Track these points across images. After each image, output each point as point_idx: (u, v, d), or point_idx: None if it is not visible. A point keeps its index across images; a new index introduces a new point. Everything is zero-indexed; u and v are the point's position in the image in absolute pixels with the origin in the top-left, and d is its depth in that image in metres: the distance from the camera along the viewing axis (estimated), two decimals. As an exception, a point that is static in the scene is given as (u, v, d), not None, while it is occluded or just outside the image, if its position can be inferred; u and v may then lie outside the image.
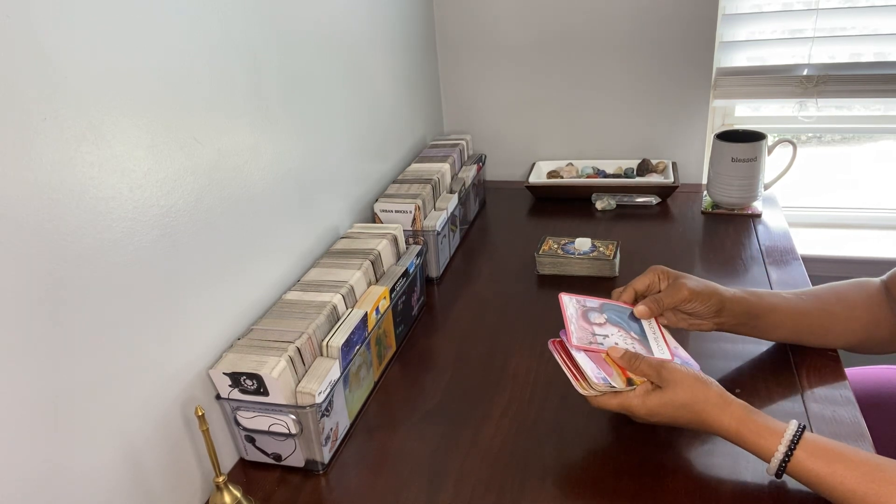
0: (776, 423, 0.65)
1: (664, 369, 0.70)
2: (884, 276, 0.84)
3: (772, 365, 0.86)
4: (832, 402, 0.79)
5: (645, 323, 0.80)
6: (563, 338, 0.76)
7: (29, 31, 0.53)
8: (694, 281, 0.81)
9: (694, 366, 0.75)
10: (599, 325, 0.77)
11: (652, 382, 0.71)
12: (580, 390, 0.73)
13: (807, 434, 0.64)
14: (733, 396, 0.68)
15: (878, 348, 0.84)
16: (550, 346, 0.77)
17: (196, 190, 0.74)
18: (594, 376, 0.72)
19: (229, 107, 0.80)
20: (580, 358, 0.73)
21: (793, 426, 0.64)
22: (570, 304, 0.79)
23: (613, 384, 0.71)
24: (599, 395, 0.72)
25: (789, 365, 0.86)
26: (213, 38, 0.76)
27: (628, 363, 0.73)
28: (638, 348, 0.75)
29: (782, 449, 0.63)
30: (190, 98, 0.72)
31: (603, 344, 0.74)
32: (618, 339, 0.75)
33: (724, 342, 0.91)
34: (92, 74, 0.59)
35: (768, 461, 0.65)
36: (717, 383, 0.70)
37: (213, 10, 0.76)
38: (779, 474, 0.65)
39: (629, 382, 0.72)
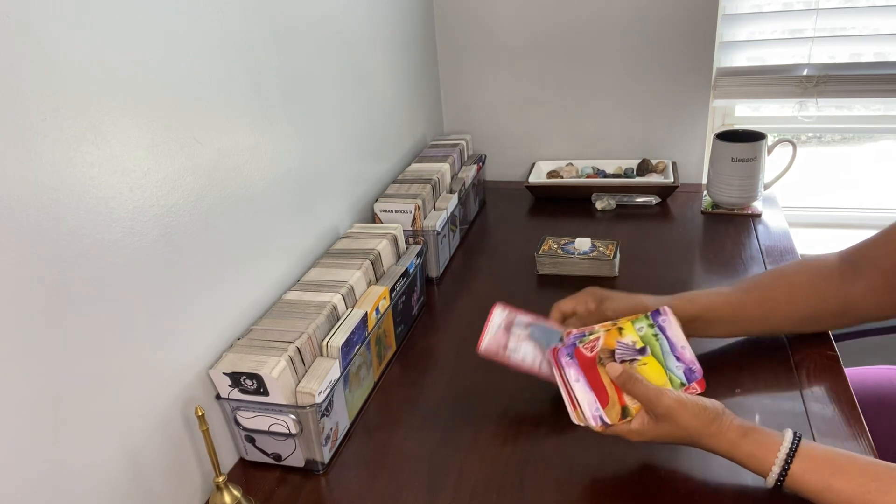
0: (771, 440, 0.64)
1: (659, 405, 0.68)
2: (842, 250, 0.85)
3: (772, 365, 0.86)
4: (832, 402, 0.79)
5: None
6: (561, 359, 0.75)
7: (29, 31, 0.53)
8: (619, 301, 0.83)
9: (697, 371, 0.75)
10: (517, 339, 0.78)
11: (646, 409, 0.70)
12: (574, 420, 0.73)
13: (803, 445, 0.63)
14: (729, 420, 0.67)
15: (826, 323, 0.87)
16: (549, 357, 0.76)
17: (196, 190, 0.74)
18: (590, 414, 0.71)
19: (229, 107, 0.80)
20: (578, 387, 0.73)
21: (787, 441, 0.63)
22: (499, 315, 0.81)
23: (608, 421, 0.71)
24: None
25: (789, 365, 0.86)
26: (213, 38, 0.76)
27: (623, 384, 0.71)
28: (545, 368, 0.76)
29: (776, 469, 0.63)
30: (190, 98, 0.72)
31: (510, 357, 0.76)
32: (528, 355, 0.77)
33: (724, 342, 0.91)
34: (92, 74, 0.59)
35: (765, 478, 0.64)
36: (712, 407, 0.67)
37: (213, 10, 0.76)
38: (777, 489, 0.65)
39: (623, 412, 0.71)
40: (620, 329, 0.76)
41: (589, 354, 0.74)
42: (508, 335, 0.78)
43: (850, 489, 0.60)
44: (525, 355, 0.76)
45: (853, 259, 0.82)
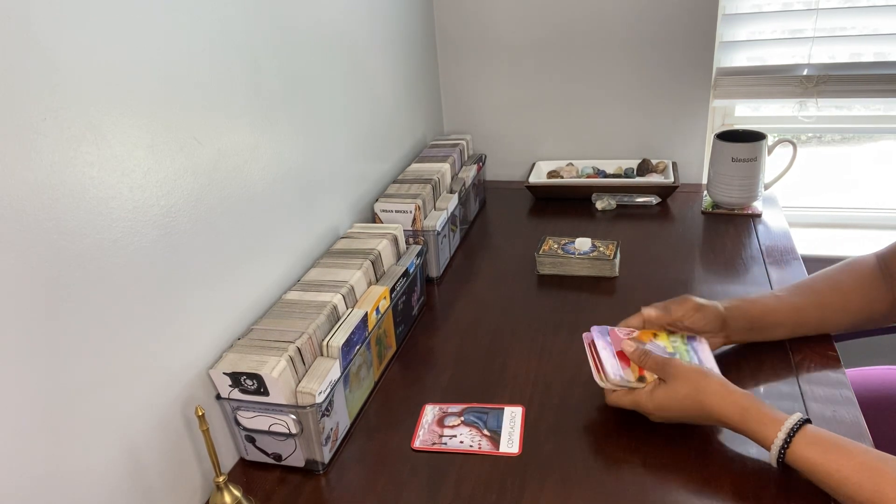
0: (779, 413, 0.68)
1: (669, 366, 0.75)
2: (879, 251, 0.87)
3: (772, 365, 0.86)
4: (832, 402, 0.79)
5: (506, 420, 0.82)
6: (593, 333, 0.84)
7: (29, 31, 0.53)
8: (698, 298, 0.85)
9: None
10: (451, 427, 0.82)
11: (659, 379, 0.75)
12: (598, 381, 0.79)
13: (809, 426, 0.66)
14: (735, 387, 0.71)
15: (876, 324, 0.87)
16: (584, 338, 0.84)
17: (196, 190, 0.74)
18: (612, 372, 0.78)
19: (229, 107, 0.80)
20: (604, 354, 0.81)
21: (795, 416, 0.67)
22: (430, 411, 0.85)
23: (627, 378, 0.78)
24: (613, 389, 0.78)
25: (789, 366, 0.86)
26: (214, 38, 0.76)
27: (638, 360, 0.78)
28: (485, 444, 0.78)
29: (781, 436, 0.66)
30: (190, 98, 0.72)
31: (447, 444, 0.79)
32: (465, 437, 0.80)
33: (724, 342, 0.91)
34: (92, 74, 0.59)
35: (769, 448, 0.67)
36: (721, 375, 0.74)
37: (213, 10, 0.76)
38: (779, 462, 0.67)
39: (640, 379, 0.78)
40: (655, 334, 0.84)
41: (621, 336, 0.83)
42: (442, 427, 0.82)
43: (850, 464, 0.62)
44: (462, 438, 0.79)
45: (889, 263, 0.85)
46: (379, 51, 1.23)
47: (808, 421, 0.67)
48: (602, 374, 0.79)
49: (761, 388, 0.82)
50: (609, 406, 0.80)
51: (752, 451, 0.72)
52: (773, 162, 1.31)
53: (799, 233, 1.26)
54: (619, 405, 0.78)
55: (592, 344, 0.83)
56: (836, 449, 0.64)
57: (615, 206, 1.39)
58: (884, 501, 0.60)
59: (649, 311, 0.84)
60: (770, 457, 0.67)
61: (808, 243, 1.42)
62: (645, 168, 1.45)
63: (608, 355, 0.81)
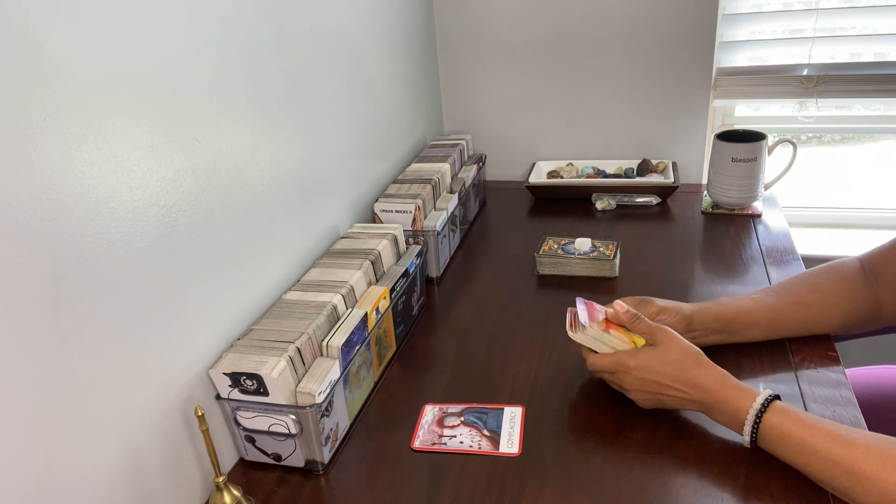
0: (752, 391, 0.71)
1: (660, 331, 0.77)
2: (861, 255, 0.86)
3: (771, 366, 0.86)
4: (832, 402, 0.79)
5: (506, 420, 0.81)
6: (577, 305, 0.84)
7: (29, 31, 0.53)
8: (660, 299, 0.86)
9: None
10: (451, 427, 0.81)
11: (647, 344, 0.77)
12: (570, 334, 0.81)
13: (779, 401, 0.70)
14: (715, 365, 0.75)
15: (858, 328, 0.87)
16: (568, 311, 0.84)
17: (196, 190, 0.74)
18: (584, 321, 0.80)
19: (229, 107, 0.80)
20: (581, 314, 0.81)
21: (768, 391, 0.70)
22: (430, 411, 0.85)
23: (598, 329, 0.79)
24: (583, 345, 0.80)
25: (789, 366, 0.86)
26: (214, 38, 0.76)
27: (629, 321, 0.78)
28: (485, 444, 0.78)
29: (758, 402, 0.69)
30: (190, 98, 0.72)
31: (447, 444, 0.79)
32: (465, 438, 0.79)
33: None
34: (92, 74, 0.59)
35: (744, 419, 0.69)
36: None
37: (212, 9, 0.76)
38: (753, 434, 0.69)
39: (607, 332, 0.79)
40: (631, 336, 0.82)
41: (600, 307, 0.84)
42: (442, 427, 0.82)
43: (821, 433, 0.65)
44: (462, 439, 0.79)
45: (873, 265, 0.84)
46: (379, 51, 1.23)
47: (777, 397, 0.70)
48: (574, 327, 0.81)
49: (761, 388, 0.82)
50: (606, 405, 0.80)
51: (748, 451, 0.72)
52: (773, 162, 1.31)
53: (799, 233, 1.26)
54: (599, 365, 0.79)
55: (574, 313, 0.84)
56: (807, 419, 0.67)
57: (615, 206, 1.39)
58: (854, 467, 0.62)
59: (616, 307, 0.81)
60: (744, 430, 0.69)
61: (808, 243, 1.42)
62: (645, 168, 1.45)
63: (584, 315, 0.81)
